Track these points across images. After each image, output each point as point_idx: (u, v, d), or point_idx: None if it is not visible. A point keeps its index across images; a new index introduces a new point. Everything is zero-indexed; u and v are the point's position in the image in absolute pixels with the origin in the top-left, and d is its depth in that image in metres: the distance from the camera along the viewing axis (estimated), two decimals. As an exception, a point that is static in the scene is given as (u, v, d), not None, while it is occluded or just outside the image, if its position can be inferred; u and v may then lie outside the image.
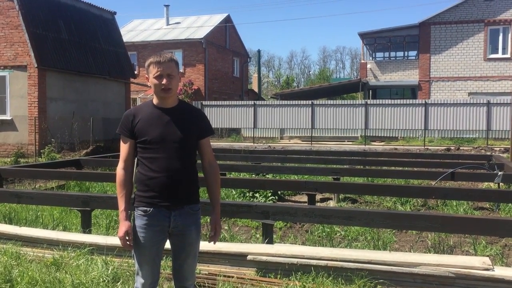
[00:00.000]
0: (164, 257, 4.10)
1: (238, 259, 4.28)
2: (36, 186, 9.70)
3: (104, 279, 4.01)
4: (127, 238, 2.73)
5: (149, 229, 2.74)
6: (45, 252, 4.71)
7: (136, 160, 2.83)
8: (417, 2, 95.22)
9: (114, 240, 4.47)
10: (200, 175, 2.93)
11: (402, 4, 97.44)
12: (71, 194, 5.93)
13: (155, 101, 2.84)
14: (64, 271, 4.22)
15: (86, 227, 5.37)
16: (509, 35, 26.53)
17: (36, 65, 16.38)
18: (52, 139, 16.21)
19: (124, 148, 2.81)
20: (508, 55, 26.53)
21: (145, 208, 2.73)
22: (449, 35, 27.62)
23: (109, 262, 4.32)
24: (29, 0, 16.83)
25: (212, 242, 2.95)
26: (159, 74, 2.73)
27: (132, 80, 22.60)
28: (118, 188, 2.77)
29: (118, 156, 2.83)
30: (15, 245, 4.84)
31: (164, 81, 2.73)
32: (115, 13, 22.40)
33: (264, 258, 4.20)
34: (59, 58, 17.47)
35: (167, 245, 2.86)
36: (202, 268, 4.24)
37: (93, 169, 10.59)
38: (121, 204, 2.75)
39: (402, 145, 21.89)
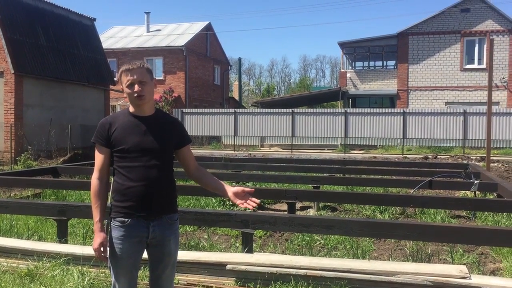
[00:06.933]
0: (141, 267, 4.04)
1: (218, 268, 4.25)
2: (11, 195, 9.50)
3: (80, 290, 3.94)
4: (101, 249, 2.67)
5: (127, 240, 2.67)
6: (19, 263, 4.60)
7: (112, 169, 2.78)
8: (396, 13, 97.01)
9: (91, 250, 4.35)
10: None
11: (381, 15, 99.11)
12: (47, 203, 5.81)
13: (131, 109, 2.80)
14: (38, 282, 4.12)
15: (62, 236, 5.27)
16: (485, 46, 27.13)
17: (13, 71, 16.10)
18: (29, 147, 15.93)
19: (99, 157, 2.76)
20: (483, 66, 27.10)
21: (123, 219, 2.67)
22: (427, 46, 28.14)
23: (85, 273, 4.24)
24: (6, 5, 16.58)
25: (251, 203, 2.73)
26: (130, 82, 2.70)
27: (111, 87, 22.38)
28: (93, 198, 2.71)
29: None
30: (-12, 255, 4.72)
31: (135, 89, 2.69)
32: (94, 19, 22.19)
33: (243, 267, 4.18)
34: (37, 64, 17.21)
35: (144, 255, 2.81)
36: (181, 278, 4.19)
37: (70, 177, 10.42)
38: (96, 215, 2.69)
39: (381, 154, 22.11)
